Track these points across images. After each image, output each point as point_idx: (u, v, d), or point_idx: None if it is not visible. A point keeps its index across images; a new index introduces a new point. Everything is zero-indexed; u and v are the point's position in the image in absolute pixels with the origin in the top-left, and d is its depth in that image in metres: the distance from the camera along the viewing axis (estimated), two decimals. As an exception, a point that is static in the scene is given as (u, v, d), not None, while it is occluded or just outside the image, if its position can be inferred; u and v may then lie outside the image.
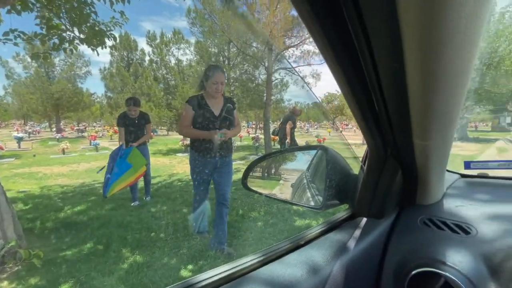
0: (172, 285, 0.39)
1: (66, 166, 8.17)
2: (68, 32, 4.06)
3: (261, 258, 0.48)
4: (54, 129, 22.54)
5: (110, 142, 15.48)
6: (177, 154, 10.70)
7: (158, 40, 15.40)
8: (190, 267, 2.25)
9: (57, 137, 15.84)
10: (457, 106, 0.39)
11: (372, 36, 0.29)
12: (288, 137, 6.82)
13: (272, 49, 8.92)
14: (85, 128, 26.05)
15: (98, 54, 4.41)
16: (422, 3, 0.23)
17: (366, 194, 0.63)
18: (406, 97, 0.36)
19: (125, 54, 19.75)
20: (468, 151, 10.22)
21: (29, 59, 19.10)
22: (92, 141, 12.73)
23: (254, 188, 0.77)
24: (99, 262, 2.34)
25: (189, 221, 3.20)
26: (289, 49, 9.41)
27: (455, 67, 0.30)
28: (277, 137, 13.84)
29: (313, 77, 11.41)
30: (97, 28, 4.13)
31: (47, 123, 28.54)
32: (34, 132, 20.57)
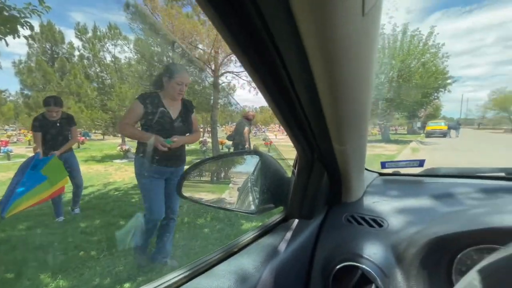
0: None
1: (-37, 179, 6.60)
2: (-36, 15, 3.32)
3: (187, 273, 0.45)
4: None
5: (28, 148, 13.14)
6: (114, 161, 9.70)
7: (90, 34, 13.79)
8: (127, 285, 2.04)
9: (-49, 143, 12.67)
10: (364, 114, 0.43)
11: (283, 52, 0.31)
12: (247, 143, 6.84)
13: (218, 52, 8.87)
14: (-7, 132, 21.55)
15: (7, 44, 3.71)
16: (316, 21, 0.24)
17: (297, 196, 0.65)
18: (320, 107, 0.39)
19: (48, 46, 17.12)
20: (390, 151, 11.87)
21: None
22: (2, 147, 10.63)
23: (189, 196, 0.73)
24: (7, 294, 1.95)
25: (123, 235, 2.89)
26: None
27: (355, 80, 0.34)
28: (225, 141, 13.78)
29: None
30: (6, 14, 3.48)
31: None
32: None
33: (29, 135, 16.09)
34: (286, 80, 0.36)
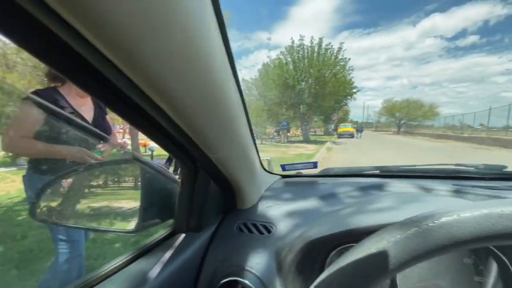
0: None
1: None
2: None
3: None
4: None
5: None
6: (-5, 170, 7.65)
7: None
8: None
9: None
10: (230, 121, 0.41)
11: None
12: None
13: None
14: None
15: None
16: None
17: (183, 209, 0.59)
18: (173, 120, 0.35)
19: None
20: (310, 150, 13.18)
21: None
22: None
23: (48, 218, 0.58)
24: None
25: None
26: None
27: (190, 94, 0.31)
28: (148, 143, 12.70)
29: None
30: None
31: None
32: None
33: None
34: (132, 102, 0.33)
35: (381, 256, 0.26)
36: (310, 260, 0.51)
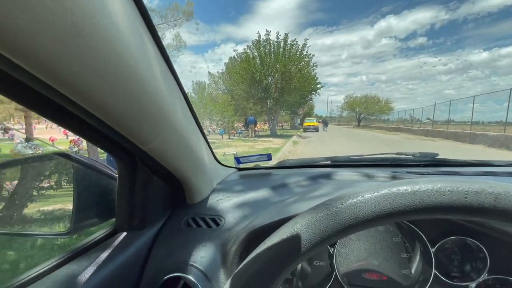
0: None
1: None
2: None
3: None
4: None
5: None
6: None
7: None
8: None
9: None
10: (157, 110, 0.39)
11: None
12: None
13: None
14: None
15: None
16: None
17: (124, 206, 0.56)
18: (95, 116, 0.33)
19: None
20: (276, 144, 13.44)
21: None
22: None
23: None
24: None
25: None
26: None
27: (92, 83, 0.29)
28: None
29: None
30: None
31: None
32: None
33: None
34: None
35: (295, 240, 0.27)
36: (253, 250, 0.52)
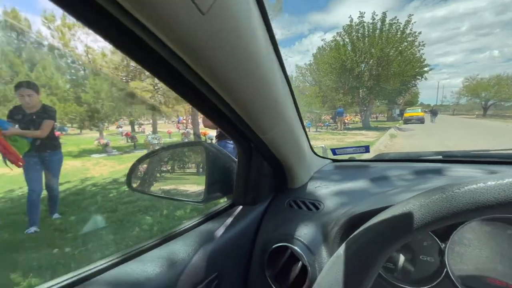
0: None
1: None
2: None
3: (118, 259, 0.47)
4: None
5: (-2, 145, 12.38)
6: (92, 155, 9.40)
7: (59, 22, 12.96)
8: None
9: None
10: (277, 104, 0.47)
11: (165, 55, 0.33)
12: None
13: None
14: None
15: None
16: (156, 23, 0.26)
17: (240, 185, 0.69)
18: (227, 103, 0.42)
19: (13, 35, 15.94)
20: (370, 137, 12.26)
21: None
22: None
23: (139, 188, 0.75)
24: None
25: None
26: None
27: (237, 77, 0.37)
28: (208, 132, 13.64)
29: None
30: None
31: None
32: None
33: (-1, 131, 15.09)
34: (193, 85, 0.39)
35: (407, 217, 0.29)
36: (352, 233, 0.55)
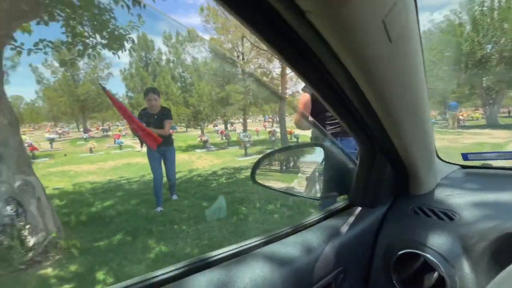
0: (188, 260, 0.49)
1: (94, 164, 8.72)
2: (91, 39, 4.31)
3: (265, 240, 0.57)
4: (82, 129, 23.97)
5: (133, 140, 16.17)
6: (196, 150, 11.02)
7: (173, 40, 15.74)
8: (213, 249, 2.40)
9: (85, 136, 16.83)
10: (420, 109, 0.45)
11: (331, 67, 0.37)
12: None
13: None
14: (109, 127, 27.40)
15: (119, 57, 4.65)
16: (346, 43, 0.30)
17: (360, 186, 0.69)
18: (374, 111, 0.44)
19: (143, 54, 20.36)
20: (497, 138, 9.64)
21: (56, 64, 20.28)
22: (116, 140, 13.39)
23: (261, 182, 0.86)
24: (128, 252, 2.56)
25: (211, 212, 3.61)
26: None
27: (397, 90, 0.38)
28: (293, 131, 13.78)
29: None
30: (116, 33, 4.35)
31: (75, 124, 30.40)
32: (64, 133, 22.02)
33: (133, 129, 19.67)
34: (337, 85, 0.42)
35: None
36: (509, 253, 0.47)
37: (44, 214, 2.61)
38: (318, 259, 0.54)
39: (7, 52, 3.23)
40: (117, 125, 34.11)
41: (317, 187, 0.80)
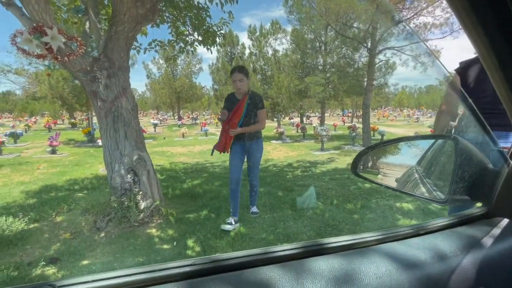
0: (303, 242, 0.48)
1: (185, 147, 10.05)
2: (190, 36, 4.88)
3: (380, 237, 0.51)
4: (176, 117, 27.99)
5: (216, 129, 17.84)
6: (271, 141, 11.31)
7: (257, 33, 16.32)
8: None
9: (179, 123, 19.59)
10: None
11: None
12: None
13: (377, 27, 7.94)
14: (197, 116, 31.09)
15: (211, 53, 5.11)
16: None
17: (506, 194, 0.54)
18: None
19: (228, 49, 21.92)
20: None
21: (161, 61, 24.09)
22: (202, 127, 15.04)
23: (365, 175, 0.78)
24: (212, 227, 2.85)
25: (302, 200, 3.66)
26: (399, 25, 8.12)
27: None
28: (377, 127, 12.51)
29: (429, 55, 9.49)
30: (211, 30, 4.78)
31: (171, 112, 35.78)
32: (163, 120, 26.24)
33: (216, 119, 21.77)
34: None
35: None
36: None
37: (151, 185, 3.16)
38: (455, 271, 0.44)
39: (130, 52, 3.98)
40: (204, 114, 38.40)
41: (440, 187, 0.67)
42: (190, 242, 2.53)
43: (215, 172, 5.67)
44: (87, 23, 3.38)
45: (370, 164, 0.82)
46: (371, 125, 9.83)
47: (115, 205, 2.88)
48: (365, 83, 9.17)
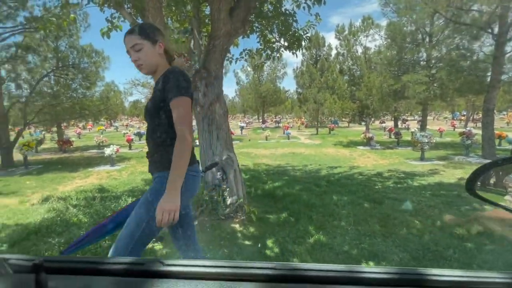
0: (400, 267, 0.42)
1: (268, 149, 10.44)
2: (276, 43, 5.05)
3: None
4: (261, 120, 29.53)
5: (298, 132, 17.82)
6: (357, 147, 10.43)
7: (346, 32, 15.44)
8: (371, 265, 2.18)
9: (263, 126, 20.58)
10: None
11: None
12: None
13: (509, 6, 6.20)
14: (280, 119, 31.89)
15: (296, 57, 5.15)
16: None
17: None
18: None
19: (314, 52, 21.57)
20: None
21: (249, 68, 25.97)
22: (285, 130, 15.28)
23: (485, 196, 0.62)
24: (291, 231, 2.85)
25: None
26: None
27: None
28: (505, 134, 9.86)
29: None
30: (296, 34, 4.81)
31: (256, 116, 38.00)
32: (249, 123, 28.18)
33: (299, 123, 21.75)
34: None
35: None
36: None
37: (237, 183, 3.42)
38: None
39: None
40: (286, 118, 39.06)
41: None
42: (269, 243, 2.61)
43: (296, 176, 5.66)
44: (192, 41, 3.98)
45: (493, 181, 0.65)
46: (496, 131, 7.75)
47: (206, 198, 3.26)
48: (489, 79, 7.29)
